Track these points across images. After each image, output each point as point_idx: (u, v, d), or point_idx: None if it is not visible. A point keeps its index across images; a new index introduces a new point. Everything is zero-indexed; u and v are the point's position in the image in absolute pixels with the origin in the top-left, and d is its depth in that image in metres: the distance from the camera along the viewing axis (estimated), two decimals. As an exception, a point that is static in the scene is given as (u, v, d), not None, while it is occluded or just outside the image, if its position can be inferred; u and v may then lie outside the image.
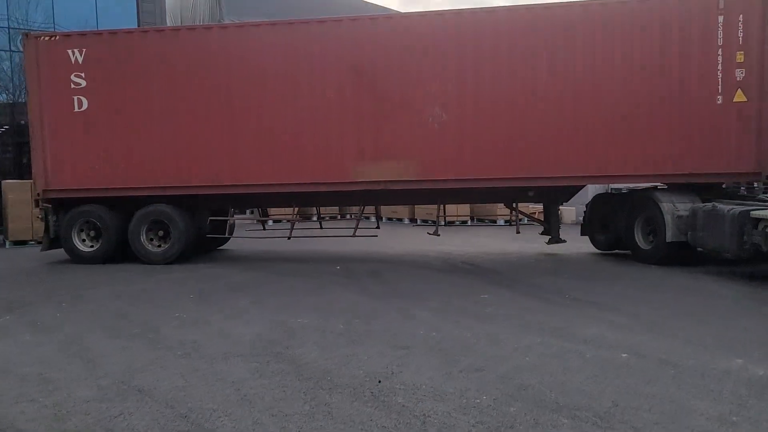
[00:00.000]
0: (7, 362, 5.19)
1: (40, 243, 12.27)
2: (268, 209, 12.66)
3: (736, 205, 8.64)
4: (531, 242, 11.48)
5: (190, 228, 10.55)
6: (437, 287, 8.28)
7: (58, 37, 10.58)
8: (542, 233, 11.16)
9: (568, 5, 9.57)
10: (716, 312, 6.74)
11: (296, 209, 11.14)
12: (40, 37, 10.55)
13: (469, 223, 16.99)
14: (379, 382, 4.54)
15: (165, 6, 17.67)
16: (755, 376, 4.57)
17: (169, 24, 18.27)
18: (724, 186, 9.78)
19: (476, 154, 9.64)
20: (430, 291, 8.01)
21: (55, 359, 5.25)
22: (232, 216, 11.12)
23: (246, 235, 12.08)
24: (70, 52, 10.24)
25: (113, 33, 10.58)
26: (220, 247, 12.23)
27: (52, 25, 16.22)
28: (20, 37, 12.63)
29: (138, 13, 17.21)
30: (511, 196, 10.74)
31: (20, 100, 17.04)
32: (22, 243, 13.41)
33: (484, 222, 17.00)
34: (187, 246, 10.51)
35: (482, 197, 12.19)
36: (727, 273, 9.00)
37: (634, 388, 4.36)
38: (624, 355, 5.13)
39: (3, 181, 14.15)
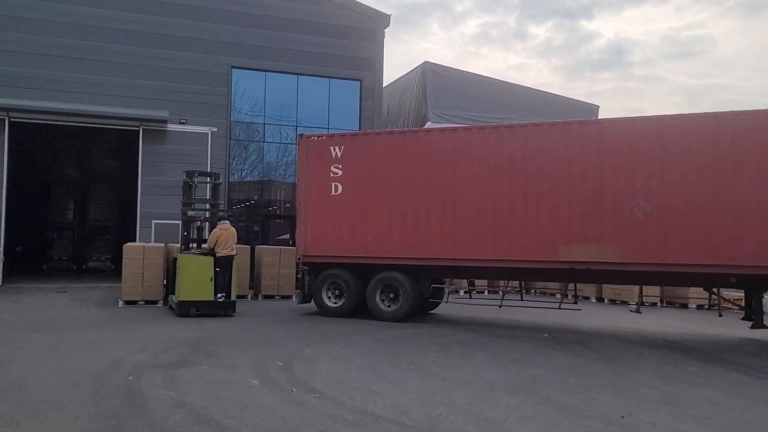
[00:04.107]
0: (341, 383, 7.32)
1: (284, 298, 15.23)
2: (474, 280, 14.44)
3: None
4: (729, 327, 11.96)
5: (416, 292, 12.58)
6: (644, 357, 9.37)
7: (324, 138, 13.55)
8: (743, 318, 11.65)
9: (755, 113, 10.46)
10: None
11: (507, 282, 12.78)
12: (311, 137, 13.55)
13: (659, 305, 17.42)
14: (623, 417, 5.93)
15: (381, 102, 20.83)
16: None
17: (384, 115, 21.61)
18: None
19: (679, 241, 10.60)
20: (639, 360, 9.13)
21: (366, 379, 7.28)
22: (450, 284, 13.01)
23: (455, 301, 13.89)
24: (332, 148, 13.06)
25: (365, 134, 13.30)
26: (432, 311, 14.15)
27: (295, 125, 19.80)
28: (297, 136, 15.56)
29: (360, 109, 20.48)
30: (712, 281, 11.49)
31: (265, 178, 20.75)
32: (270, 297, 16.32)
33: (674, 305, 17.34)
34: (413, 308, 12.53)
35: (680, 281, 12.96)
36: None
37: None
38: (836, 421, 6.01)
39: (257, 246, 17.47)
